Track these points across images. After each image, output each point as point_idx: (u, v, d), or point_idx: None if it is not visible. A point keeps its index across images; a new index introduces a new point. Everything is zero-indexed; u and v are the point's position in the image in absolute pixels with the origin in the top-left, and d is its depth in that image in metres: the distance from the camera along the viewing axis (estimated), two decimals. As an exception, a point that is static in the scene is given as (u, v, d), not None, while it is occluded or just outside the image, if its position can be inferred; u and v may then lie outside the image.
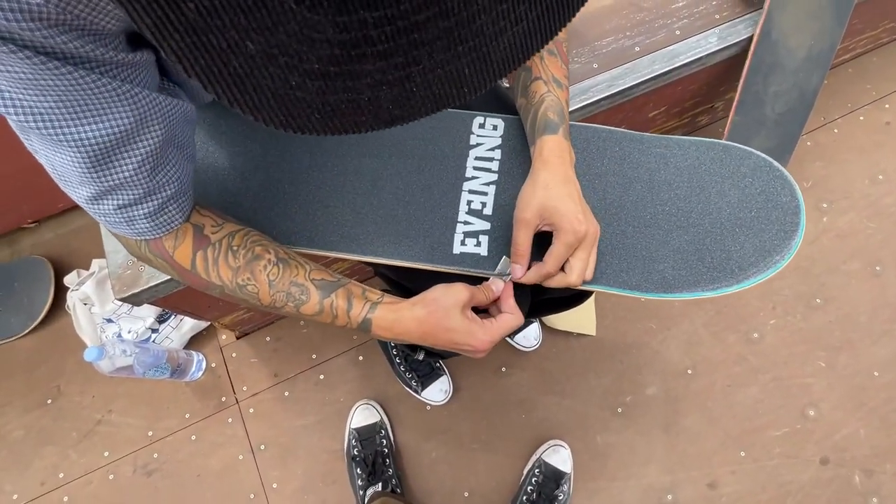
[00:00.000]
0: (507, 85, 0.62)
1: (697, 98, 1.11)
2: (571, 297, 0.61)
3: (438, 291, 0.43)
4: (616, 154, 0.55)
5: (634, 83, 0.87)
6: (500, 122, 0.56)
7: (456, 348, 0.44)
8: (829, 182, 1.26)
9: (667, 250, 0.50)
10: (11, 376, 1.08)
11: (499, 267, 0.48)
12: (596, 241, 0.46)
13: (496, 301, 0.47)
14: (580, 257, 0.45)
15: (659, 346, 1.10)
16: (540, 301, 0.62)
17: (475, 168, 0.54)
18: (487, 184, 0.54)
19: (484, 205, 0.53)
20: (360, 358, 1.09)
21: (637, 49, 0.89)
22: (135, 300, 0.73)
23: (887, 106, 1.35)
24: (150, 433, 1.03)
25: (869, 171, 1.27)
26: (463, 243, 0.51)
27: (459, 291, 0.43)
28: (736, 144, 0.54)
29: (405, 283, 0.59)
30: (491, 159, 0.55)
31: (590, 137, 0.56)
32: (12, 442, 1.04)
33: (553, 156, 0.47)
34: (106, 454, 1.02)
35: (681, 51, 0.89)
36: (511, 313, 0.46)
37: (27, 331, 1.10)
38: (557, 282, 0.47)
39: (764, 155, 0.54)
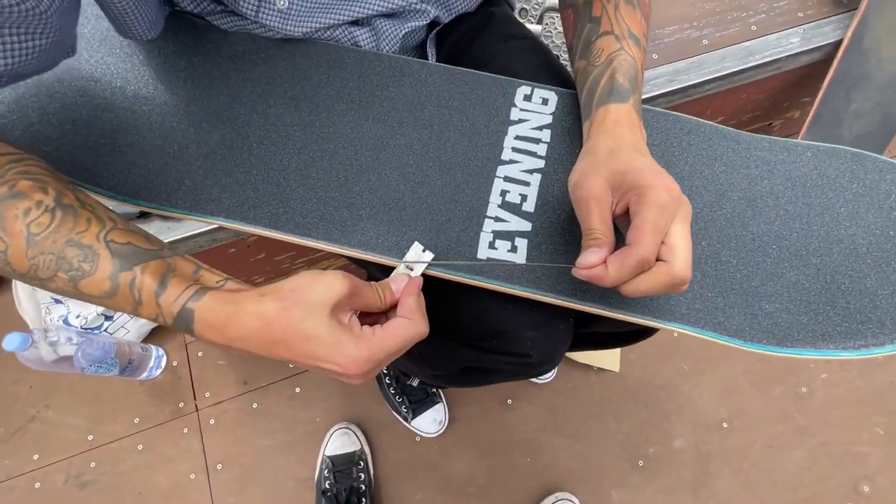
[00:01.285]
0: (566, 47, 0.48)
1: (757, 111, 0.97)
2: (625, 334, 0.47)
3: (303, 279, 0.29)
4: (705, 153, 0.41)
5: (700, 80, 0.73)
6: (552, 96, 0.43)
7: (316, 366, 0.29)
8: None
9: (778, 286, 0.36)
10: (-59, 354, 0.94)
11: (408, 254, 0.34)
12: (687, 215, 0.31)
13: (393, 305, 0.33)
14: (681, 234, 0.29)
15: (691, 392, 0.95)
16: (587, 333, 0.47)
17: (515, 150, 0.41)
18: (530, 171, 0.40)
19: (524, 198, 0.39)
20: (345, 372, 0.94)
21: (705, 42, 0.76)
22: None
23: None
24: (90, 437, 0.88)
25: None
26: (492, 246, 0.37)
27: (335, 282, 0.29)
28: (871, 153, 0.41)
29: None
30: (537, 140, 0.41)
31: (669, 127, 0.42)
32: (-71, 432, 0.89)
33: (619, 126, 0.35)
34: (35, 457, 0.87)
35: (757, 49, 0.75)
36: (407, 317, 0.31)
37: (-34, 304, 0.95)
38: (653, 282, 0.29)
39: None
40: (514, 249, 0.37)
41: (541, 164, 0.40)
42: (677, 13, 0.78)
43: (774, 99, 0.94)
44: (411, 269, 0.35)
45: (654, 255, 0.29)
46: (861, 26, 0.76)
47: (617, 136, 0.34)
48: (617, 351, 0.97)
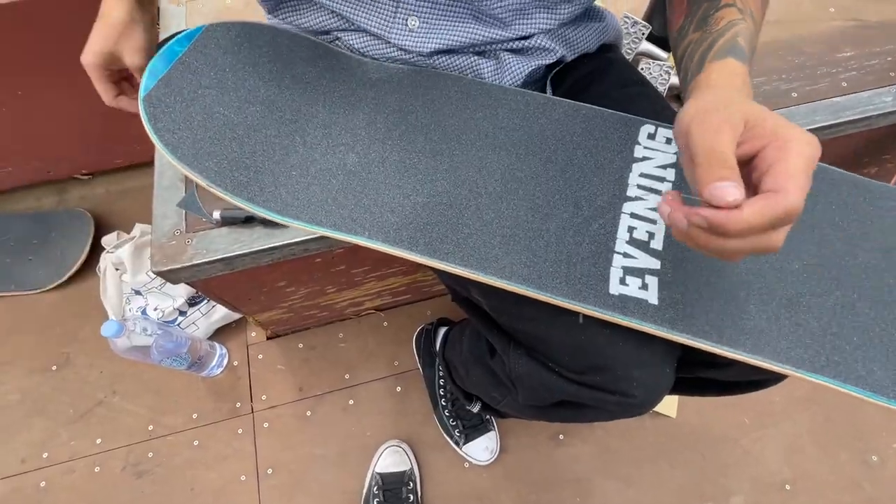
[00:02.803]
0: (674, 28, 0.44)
1: (864, 157, 0.96)
2: (750, 383, 0.45)
3: None
4: (835, 201, 0.41)
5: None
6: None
7: None
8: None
9: None
10: (22, 332, 0.99)
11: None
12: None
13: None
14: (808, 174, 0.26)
15: (751, 447, 0.91)
16: (700, 378, 0.46)
17: (640, 187, 0.42)
18: (656, 209, 0.41)
19: (651, 236, 0.39)
20: (399, 389, 0.94)
21: (794, 95, 0.76)
22: (172, 277, 0.62)
23: None
24: (150, 427, 0.91)
25: None
26: (623, 282, 0.37)
27: None
28: None
29: (509, 324, 0.45)
30: (662, 179, 0.42)
31: None
32: (4, 406, 0.93)
33: (736, 78, 0.32)
34: (98, 441, 0.90)
35: (848, 105, 0.75)
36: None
37: (52, 286, 1.01)
38: (765, 211, 0.25)
39: None
40: (644, 287, 0.37)
41: None
42: (767, 65, 0.79)
43: (855, 154, 0.92)
44: None
45: (801, 209, 0.25)
46: (958, 90, 0.75)
47: (733, 87, 0.31)
48: (674, 396, 0.95)
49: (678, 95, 0.74)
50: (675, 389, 0.46)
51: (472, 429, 0.86)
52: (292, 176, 0.42)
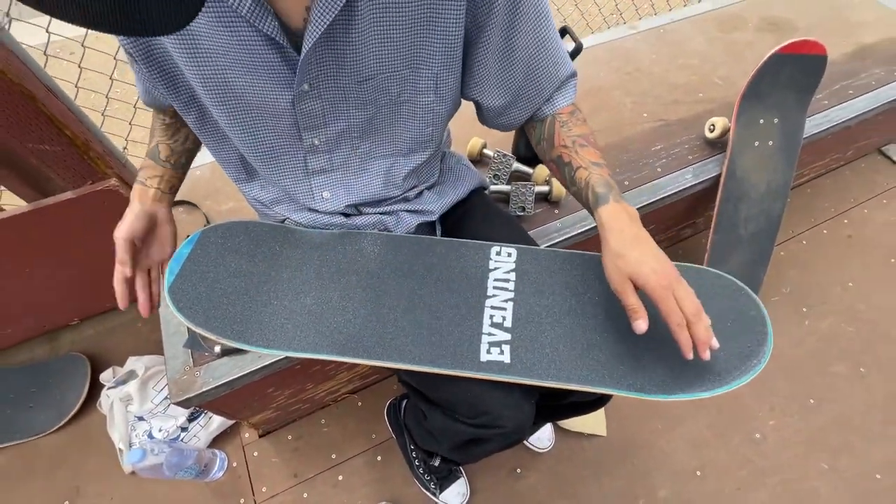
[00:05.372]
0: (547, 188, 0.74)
1: (681, 218, 1.28)
2: (592, 402, 0.69)
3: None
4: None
5: None
6: (513, 251, 0.67)
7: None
8: (805, 288, 1.39)
9: (665, 354, 0.57)
10: (32, 476, 1.09)
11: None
12: (678, 277, 0.49)
13: None
14: (681, 296, 0.48)
15: (666, 447, 1.14)
16: (559, 405, 0.69)
17: (495, 287, 0.64)
18: (505, 301, 0.63)
19: (504, 318, 0.61)
20: (379, 458, 1.11)
21: (626, 183, 1.06)
22: (186, 404, 0.80)
23: (846, 221, 1.53)
24: (165, 539, 1.02)
25: (839, 279, 1.41)
26: (488, 352, 0.58)
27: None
28: (708, 268, 0.65)
29: (427, 393, 0.66)
30: (507, 280, 0.65)
31: (584, 262, 0.67)
32: (22, 548, 1.02)
33: (612, 221, 0.52)
34: (117, 563, 1.00)
35: (663, 185, 1.06)
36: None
37: (55, 428, 1.13)
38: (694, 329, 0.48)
39: (730, 276, 0.64)
40: (501, 353, 0.58)
41: (511, 294, 0.63)
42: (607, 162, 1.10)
43: (689, 210, 1.24)
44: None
45: (678, 312, 0.47)
46: (731, 164, 1.08)
47: (616, 232, 0.51)
48: (602, 418, 1.17)
49: (546, 198, 1.02)
50: (546, 418, 0.69)
51: (444, 479, 1.04)
52: (272, 320, 0.62)
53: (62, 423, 1.13)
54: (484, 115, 0.65)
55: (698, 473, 1.11)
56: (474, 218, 0.77)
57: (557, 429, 1.15)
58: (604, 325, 0.60)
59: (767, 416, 1.18)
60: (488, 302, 0.63)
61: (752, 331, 0.58)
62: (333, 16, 0.45)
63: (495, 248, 0.68)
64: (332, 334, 0.61)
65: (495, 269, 0.66)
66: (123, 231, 0.58)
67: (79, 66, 1.04)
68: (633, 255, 0.49)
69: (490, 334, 0.60)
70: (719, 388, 0.55)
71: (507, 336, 0.60)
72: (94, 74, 1.12)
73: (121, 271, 0.57)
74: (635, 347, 0.58)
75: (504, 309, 0.62)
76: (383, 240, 0.69)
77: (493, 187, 1.00)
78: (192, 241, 0.67)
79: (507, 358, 0.58)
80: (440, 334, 0.60)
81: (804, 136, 1.13)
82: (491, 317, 0.61)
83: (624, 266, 0.50)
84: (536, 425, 1.09)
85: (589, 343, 0.59)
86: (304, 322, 0.62)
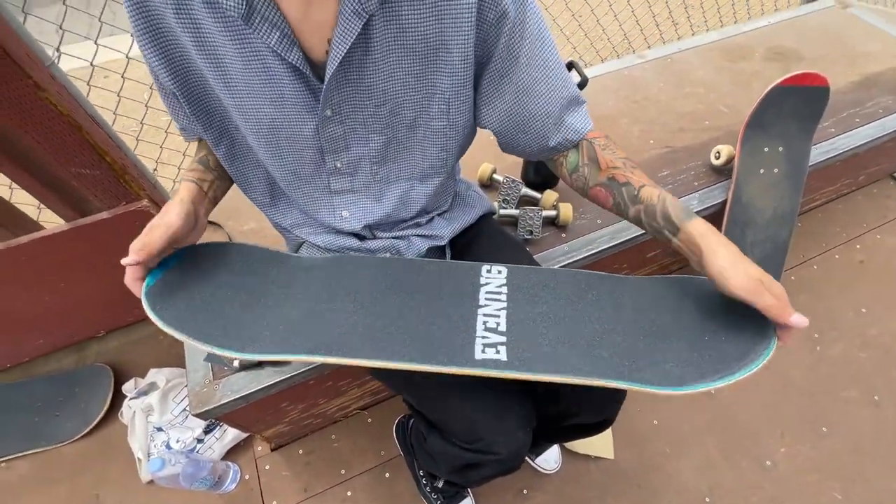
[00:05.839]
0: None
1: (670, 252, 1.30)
2: (597, 423, 0.71)
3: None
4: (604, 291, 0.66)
5: (632, 236, 1.05)
6: (503, 268, 0.68)
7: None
8: (816, 314, 1.39)
9: (672, 348, 0.57)
10: (54, 482, 1.14)
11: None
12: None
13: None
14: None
15: (673, 471, 1.14)
16: (564, 426, 0.72)
17: (487, 298, 0.65)
18: (498, 309, 0.63)
19: (498, 324, 0.61)
20: (387, 475, 1.13)
21: (632, 208, 1.09)
22: (206, 415, 0.84)
23: (858, 246, 1.53)
24: (178, 549, 1.05)
25: (852, 305, 1.40)
26: (483, 352, 0.58)
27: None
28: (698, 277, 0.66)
29: (427, 414, 0.68)
30: (500, 293, 0.65)
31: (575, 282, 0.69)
32: (43, 553, 1.05)
33: (712, 233, 0.52)
34: (132, 571, 1.03)
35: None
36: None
37: (78, 436, 1.17)
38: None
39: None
40: (497, 352, 0.58)
41: (505, 304, 0.64)
42: (611, 188, 1.13)
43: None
44: None
45: (770, 299, 0.47)
46: (736, 190, 1.10)
47: (723, 242, 0.51)
48: (609, 440, 1.17)
49: (553, 222, 1.06)
50: (551, 440, 0.70)
51: (451, 498, 1.06)
52: (252, 326, 0.62)
53: (85, 431, 1.17)
54: (500, 143, 0.67)
55: (707, 500, 1.10)
56: (482, 242, 0.80)
57: (565, 450, 1.15)
58: (605, 327, 0.60)
59: (778, 442, 1.17)
60: (481, 310, 0.62)
61: (754, 329, 0.56)
62: (352, 41, 0.48)
63: (486, 267, 0.68)
64: (317, 337, 0.59)
65: (486, 283, 0.66)
66: (160, 236, 0.54)
67: (118, 95, 1.12)
68: (750, 264, 0.50)
69: (484, 337, 0.59)
70: (727, 377, 0.52)
71: (503, 339, 0.59)
72: (127, 101, 1.20)
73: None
74: (640, 345, 0.57)
75: (497, 316, 0.62)
76: (375, 262, 0.70)
77: (501, 211, 1.04)
78: (180, 255, 0.66)
79: (503, 356, 0.57)
80: (432, 337, 0.59)
81: (811, 163, 1.15)
82: (485, 322, 0.61)
83: (754, 272, 0.49)
84: (542, 447, 1.11)
85: (590, 343, 0.59)
86: (287, 329, 0.61)
